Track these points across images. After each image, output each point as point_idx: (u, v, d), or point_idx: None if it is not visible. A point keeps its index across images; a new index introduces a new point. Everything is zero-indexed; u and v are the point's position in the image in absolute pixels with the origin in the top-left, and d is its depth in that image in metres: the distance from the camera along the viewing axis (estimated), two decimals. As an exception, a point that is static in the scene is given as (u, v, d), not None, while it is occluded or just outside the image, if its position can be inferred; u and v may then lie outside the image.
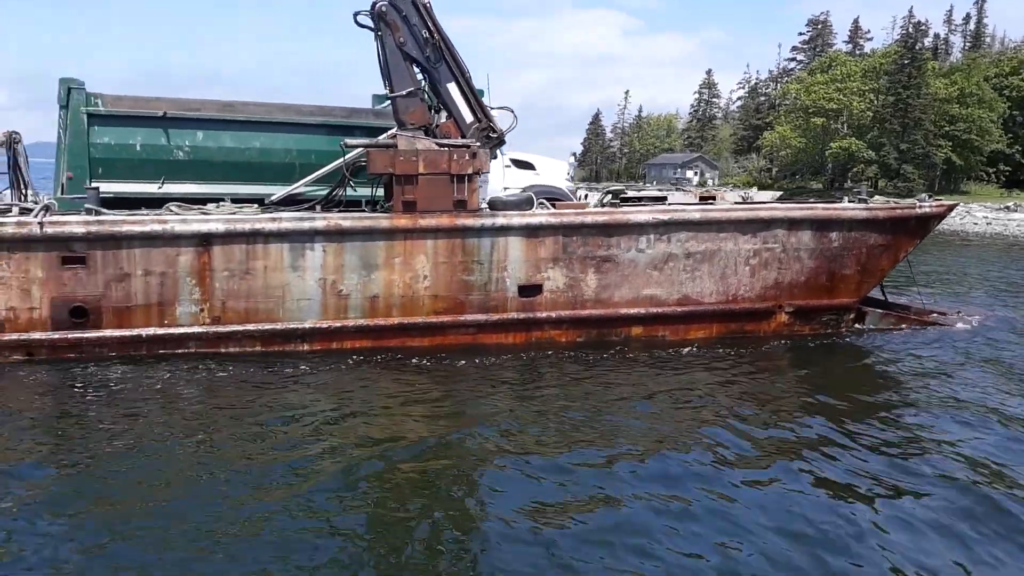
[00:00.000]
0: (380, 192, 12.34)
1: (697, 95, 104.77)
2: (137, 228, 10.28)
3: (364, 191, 12.59)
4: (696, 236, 12.28)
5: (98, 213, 10.38)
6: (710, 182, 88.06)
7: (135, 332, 10.48)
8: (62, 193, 11.47)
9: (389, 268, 11.20)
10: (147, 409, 8.83)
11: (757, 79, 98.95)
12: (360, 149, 11.47)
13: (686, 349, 12.16)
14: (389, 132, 12.15)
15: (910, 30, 75.00)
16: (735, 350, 12.30)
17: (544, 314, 11.90)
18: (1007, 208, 55.73)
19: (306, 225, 10.83)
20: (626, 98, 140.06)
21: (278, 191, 12.22)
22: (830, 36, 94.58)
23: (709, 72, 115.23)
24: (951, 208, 14.17)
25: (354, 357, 11.07)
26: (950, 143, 72.31)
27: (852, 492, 6.98)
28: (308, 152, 12.47)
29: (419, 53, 11.33)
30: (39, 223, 9.97)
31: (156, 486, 6.78)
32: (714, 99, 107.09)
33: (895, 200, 14.68)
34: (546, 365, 11.28)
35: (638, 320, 12.33)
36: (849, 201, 13.60)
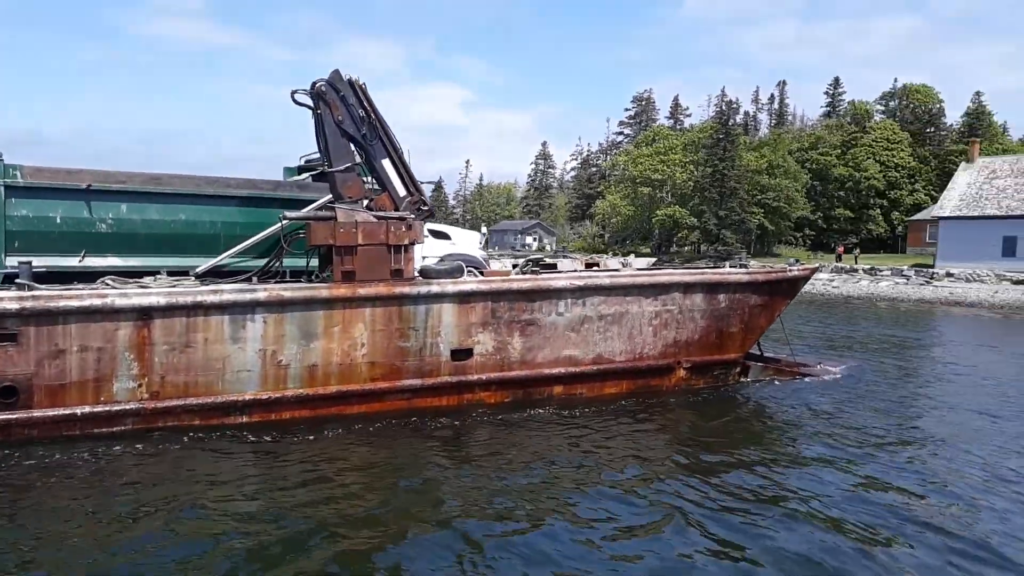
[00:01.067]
0: (311, 263, 12.76)
1: (534, 165, 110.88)
2: (75, 303, 10.18)
3: (292, 261, 12.94)
4: (607, 300, 13.62)
5: (31, 288, 10.19)
6: (548, 247, 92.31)
7: (69, 411, 10.26)
8: (-27, 267, 11.05)
9: (328, 337, 11.64)
10: (78, 493, 8.66)
11: (588, 151, 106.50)
12: (293, 221, 11.92)
13: (600, 406, 13.30)
14: (317, 203, 12.68)
15: (723, 107, 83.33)
16: (642, 403, 13.64)
17: (475, 376, 12.71)
18: (849, 270, 61.89)
19: (247, 296, 11.11)
20: (467, 167, 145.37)
21: (203, 263, 12.37)
22: (653, 112, 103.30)
23: (544, 144, 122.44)
24: (814, 271, 16.48)
25: (293, 428, 11.34)
26: (762, 210, 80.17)
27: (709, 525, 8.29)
28: (233, 224, 12.70)
29: (356, 131, 12.08)
30: (-33, 299, 9.67)
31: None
32: (550, 169, 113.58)
33: (768, 265, 16.79)
34: (477, 426, 12.04)
35: (559, 379, 13.41)
36: (731, 267, 15.49)
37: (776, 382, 15.62)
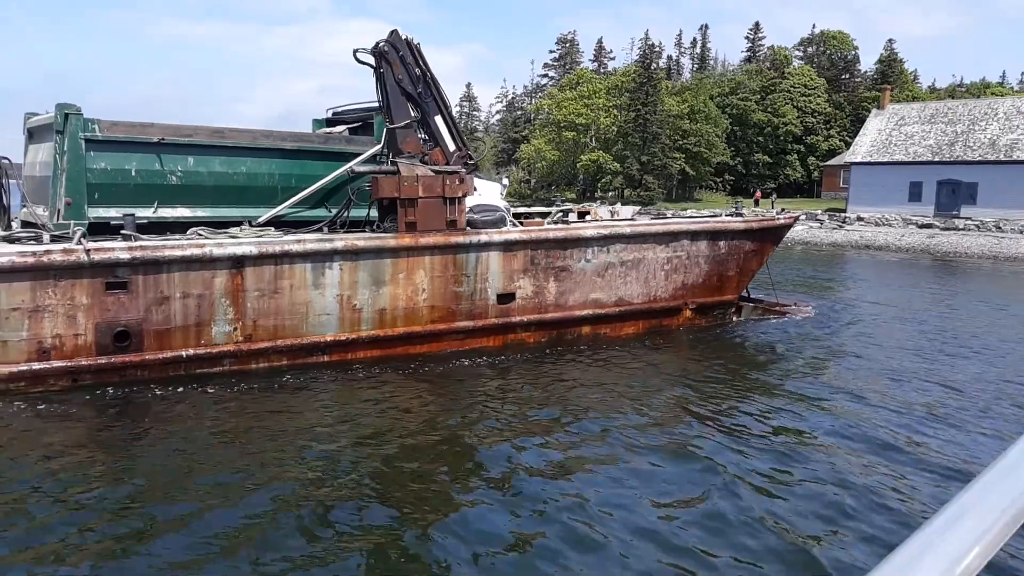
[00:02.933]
0: (369, 213, 13.99)
1: (458, 108, 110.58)
2: (178, 252, 11.32)
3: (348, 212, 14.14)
4: (627, 247, 15.49)
5: (136, 239, 11.25)
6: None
7: (175, 353, 11.46)
8: (59, 219, 11.90)
9: (395, 283, 13.11)
10: (191, 431, 9.85)
11: (514, 93, 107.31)
12: (360, 174, 13.22)
13: (621, 344, 15.27)
14: (364, 155, 13.93)
15: (646, 51, 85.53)
16: (656, 341, 15.70)
17: (517, 319, 14.42)
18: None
19: (327, 246, 12.44)
20: None
21: (262, 213, 13.50)
22: (578, 54, 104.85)
23: (469, 85, 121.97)
24: (796, 219, 18.77)
25: (366, 366, 12.83)
26: (683, 155, 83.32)
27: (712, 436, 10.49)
28: (288, 176, 13.82)
29: (413, 89, 13.38)
30: (85, 250, 10.70)
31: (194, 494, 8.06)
32: (475, 112, 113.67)
33: (761, 212, 18.97)
34: (520, 364, 13.77)
35: (587, 320, 15.27)
36: (727, 215, 17.58)
37: (764, 320, 17.95)
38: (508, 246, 14.12)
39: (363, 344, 12.98)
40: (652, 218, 17.63)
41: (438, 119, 13.69)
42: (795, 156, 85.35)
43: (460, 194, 13.61)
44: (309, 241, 12.36)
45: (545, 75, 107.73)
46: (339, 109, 16.21)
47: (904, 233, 53.32)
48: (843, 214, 63.11)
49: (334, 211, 14.04)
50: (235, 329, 11.89)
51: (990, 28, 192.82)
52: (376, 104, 14.39)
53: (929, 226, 54.89)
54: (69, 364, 10.79)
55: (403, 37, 13.31)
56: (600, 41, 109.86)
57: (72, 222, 11.63)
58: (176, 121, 14.04)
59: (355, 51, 13.08)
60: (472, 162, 14.19)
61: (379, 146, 14.33)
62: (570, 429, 10.12)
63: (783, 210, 18.91)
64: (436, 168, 13.49)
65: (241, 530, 6.99)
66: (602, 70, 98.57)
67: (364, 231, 13.51)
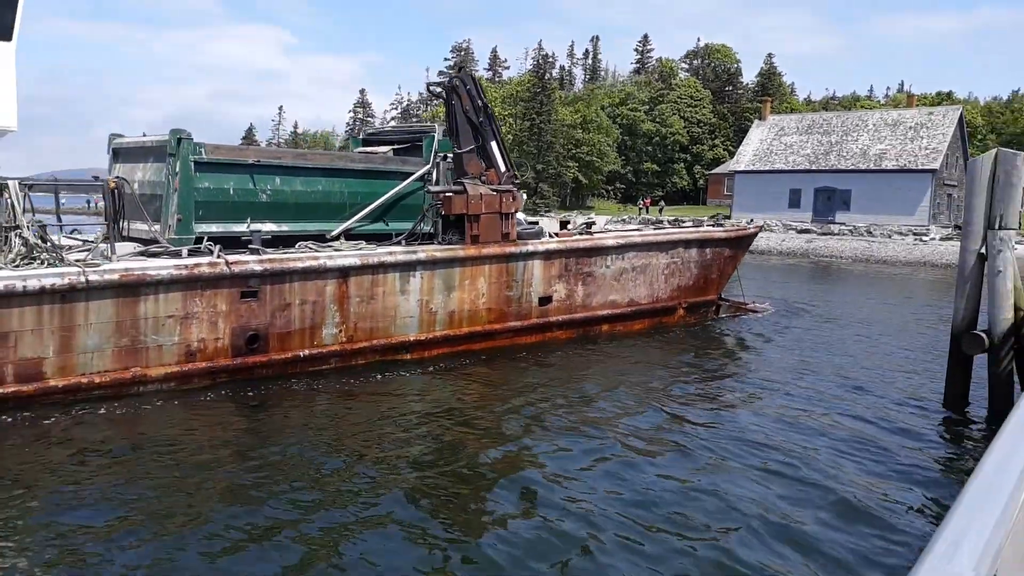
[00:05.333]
0: (420, 227, 16.07)
1: (352, 114, 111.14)
2: (299, 264, 13.19)
3: (395, 225, 16.21)
4: (638, 254, 18.27)
5: (263, 252, 13.05)
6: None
7: (294, 354, 13.31)
8: (170, 233, 13.46)
9: (462, 288, 15.35)
10: (311, 421, 11.68)
11: (409, 100, 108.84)
12: (436, 194, 15.38)
13: (632, 339, 18.04)
14: (416, 175, 16.05)
15: (540, 62, 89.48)
16: (658, 336, 18.56)
17: (554, 318, 16.90)
18: (655, 222, 70.20)
19: (412, 257, 14.56)
20: (280, 114, 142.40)
21: (333, 227, 15.40)
22: (472, 63, 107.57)
23: (363, 92, 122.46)
24: (761, 228, 22.10)
25: (439, 362, 14.98)
26: (576, 164, 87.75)
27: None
28: (356, 193, 15.73)
29: (475, 118, 15.66)
30: (226, 263, 12.45)
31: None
32: (369, 118, 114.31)
33: (731, 223, 22.14)
34: (556, 357, 16.22)
35: (606, 319, 17.93)
36: (709, 226, 20.68)
37: (738, 317, 21.16)
38: (548, 255, 16.58)
39: (437, 343, 15.13)
40: (654, 229, 20.47)
41: (493, 144, 16.01)
42: (682, 165, 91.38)
43: (513, 210, 15.98)
44: (398, 253, 14.43)
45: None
46: (374, 130, 18.22)
47: (785, 238, 58.69)
48: (729, 220, 68.32)
49: (392, 224, 16.08)
50: (340, 331, 13.83)
51: (860, 46, 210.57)
52: (409, 126, 16.56)
53: (807, 231, 60.61)
54: (211, 365, 12.47)
55: (469, 73, 15.57)
56: (494, 51, 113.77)
57: (191, 235, 13.28)
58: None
59: (428, 84, 15.25)
60: (517, 181, 16.57)
61: (429, 165, 16.48)
62: (602, 408, 12.53)
63: (750, 221, 22.15)
64: (495, 187, 15.80)
65: (348, 498, 8.71)
66: (497, 79, 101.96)
67: (431, 243, 15.63)
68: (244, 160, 14.32)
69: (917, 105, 70.72)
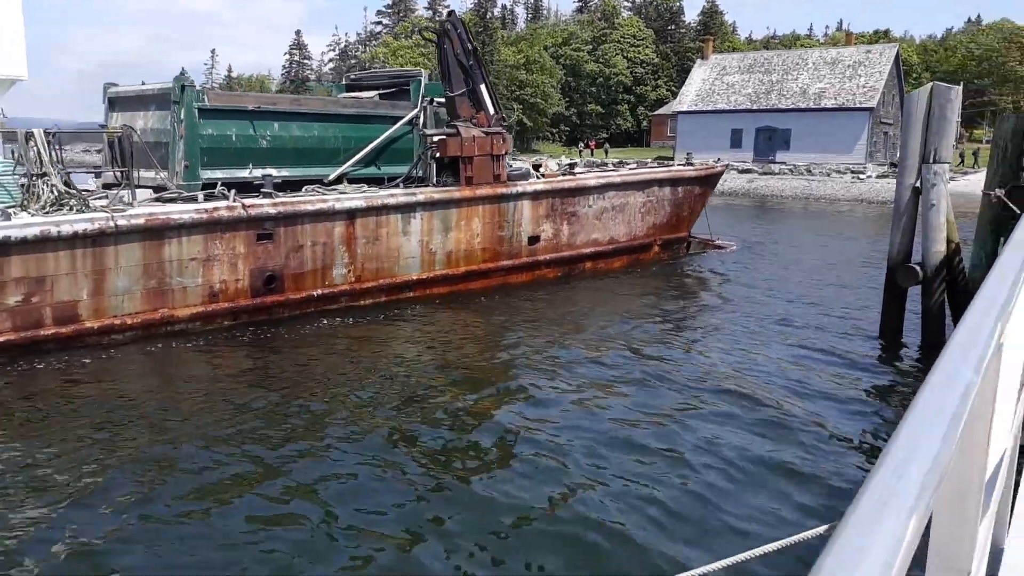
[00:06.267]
0: (390, 170, 16.66)
1: (287, 56, 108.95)
2: (309, 207, 13.85)
3: (386, 169, 16.87)
4: (617, 194, 19.27)
5: (275, 196, 13.66)
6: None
7: (307, 293, 14.04)
8: (178, 180, 13.94)
9: (458, 228, 16.17)
10: (324, 358, 12.89)
11: (347, 42, 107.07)
12: (433, 136, 16.07)
13: (612, 276, 19.15)
14: (406, 118, 16.68)
15: (481, 0, 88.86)
16: (635, 272, 19.71)
17: (542, 257, 17.86)
18: (600, 164, 71.32)
19: (412, 199, 15.30)
20: (213, 58, 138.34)
21: (329, 172, 15.99)
22: (412, 1, 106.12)
23: (298, 33, 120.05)
24: (727, 167, 23.26)
25: (439, 300, 15.87)
26: (521, 106, 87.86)
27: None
28: (348, 138, 16.31)
29: (465, 61, 16.31)
30: (243, 206, 13.07)
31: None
32: (306, 60, 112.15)
33: (702, 162, 23.26)
34: (545, 294, 17.23)
35: (589, 257, 18.97)
36: (680, 165, 21.76)
37: (707, 253, 22.44)
38: (536, 196, 17.47)
39: (437, 281, 15.97)
40: (630, 169, 21.44)
41: (482, 87, 16.70)
42: (626, 106, 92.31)
43: (504, 151, 16.77)
44: (399, 195, 15.16)
45: (379, 23, 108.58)
46: (355, 76, 18.74)
47: (727, 178, 60.21)
48: (671, 161, 69.60)
49: (384, 168, 16.74)
50: (349, 271, 14.57)
51: None
52: (394, 71, 17.13)
53: (749, 171, 62.27)
54: (232, 305, 13.15)
55: (459, 17, 16.17)
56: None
57: (198, 181, 13.81)
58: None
59: (420, 29, 15.81)
60: (505, 123, 17.33)
61: (417, 109, 17.11)
62: (587, 339, 13.53)
63: (718, 160, 23.29)
64: (485, 129, 16.54)
65: (348, 434, 9.33)
66: (437, 18, 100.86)
67: (426, 186, 16.36)
68: (244, 106, 14.79)
69: (855, 43, 72.50)
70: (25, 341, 11.18)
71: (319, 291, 14.18)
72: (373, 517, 7.03)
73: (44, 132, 11.75)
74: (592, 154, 75.92)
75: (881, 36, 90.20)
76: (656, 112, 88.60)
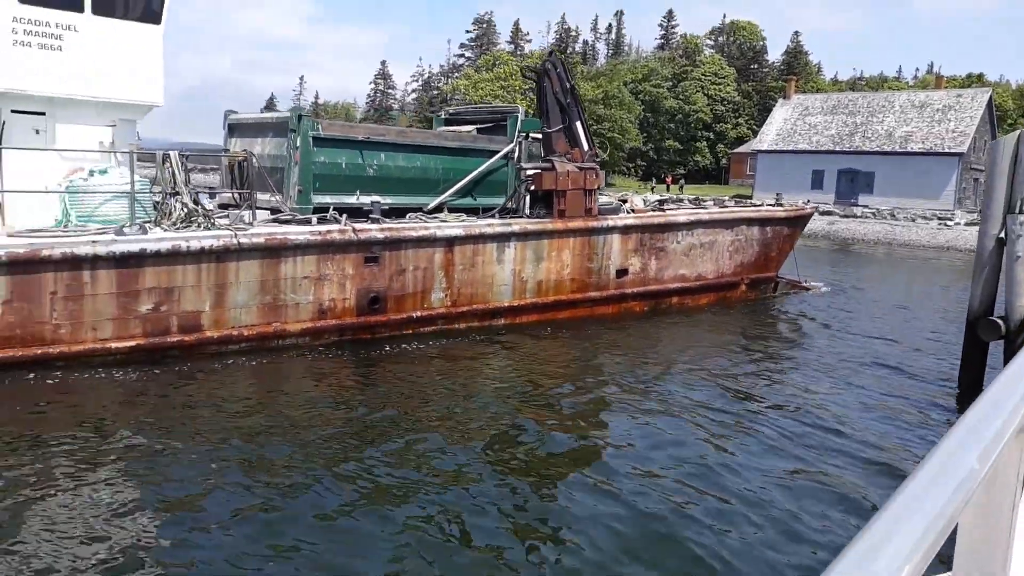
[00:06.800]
0: (485, 200, 17.40)
1: (372, 85, 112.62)
2: (413, 233, 14.64)
3: (481, 200, 17.62)
4: (706, 231, 19.68)
5: (382, 222, 14.50)
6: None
7: (408, 315, 14.79)
8: (292, 204, 14.88)
9: (549, 259, 16.78)
10: (422, 377, 13.62)
11: (430, 72, 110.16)
12: (530, 171, 16.80)
13: (699, 313, 19.52)
14: (502, 152, 17.42)
15: (562, 35, 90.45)
16: (722, 310, 20.03)
17: (629, 290, 18.35)
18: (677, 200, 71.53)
19: (507, 229, 15.99)
20: (301, 84, 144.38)
21: (429, 201, 16.79)
22: (494, 35, 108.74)
23: (384, 63, 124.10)
24: (817, 209, 23.49)
25: (527, 328, 16.45)
26: (598, 140, 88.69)
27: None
28: (449, 170, 17.14)
29: (563, 99, 17.04)
30: (354, 230, 13.91)
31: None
32: (390, 90, 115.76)
33: (791, 204, 23.53)
34: (632, 326, 17.68)
35: (676, 292, 19.38)
36: (769, 206, 22.07)
37: (795, 294, 22.62)
38: (625, 230, 18.01)
39: (527, 309, 16.59)
40: (720, 208, 21.85)
41: (578, 124, 17.40)
42: (704, 143, 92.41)
43: (596, 186, 17.38)
44: (496, 225, 15.87)
45: (462, 55, 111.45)
46: (456, 109, 19.63)
47: (809, 219, 59.88)
48: (750, 201, 68.82)
49: (479, 199, 17.50)
50: (446, 295, 15.30)
51: (889, 25, 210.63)
52: (491, 106, 17.92)
53: (830, 213, 61.47)
54: (339, 323, 13.96)
55: (559, 56, 16.95)
56: (517, 23, 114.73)
57: (310, 204, 14.74)
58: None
59: (522, 69, 16.61)
60: (598, 159, 17.97)
61: (513, 144, 17.86)
62: (671, 375, 13.93)
63: (807, 201, 23.53)
64: (579, 165, 17.20)
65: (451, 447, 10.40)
66: (518, 52, 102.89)
67: (519, 217, 17.06)
68: (355, 136, 15.73)
69: (946, 87, 71.45)
70: (153, 347, 12.13)
71: (418, 313, 14.91)
72: (457, 526, 7.55)
73: (179, 154, 12.79)
74: (668, 189, 76.02)
75: (974, 80, 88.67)
76: (735, 150, 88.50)
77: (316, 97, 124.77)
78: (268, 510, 7.69)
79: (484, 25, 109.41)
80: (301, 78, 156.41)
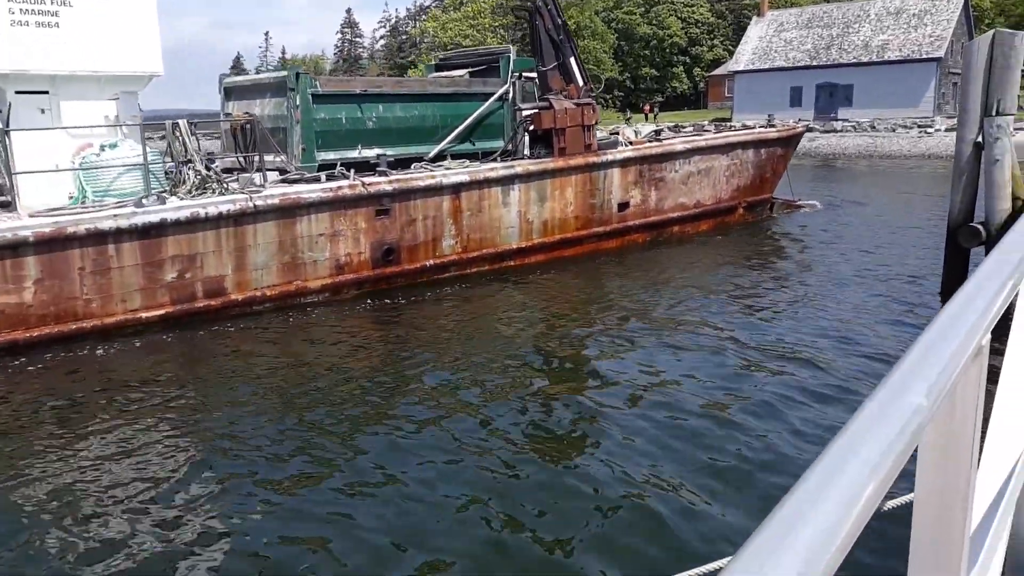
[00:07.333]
0: (483, 145, 17.66)
1: (340, 35, 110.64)
2: (420, 183, 14.91)
3: (480, 144, 17.85)
4: (703, 158, 20.00)
5: (390, 174, 14.76)
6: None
7: (420, 264, 15.15)
8: (296, 162, 15.10)
9: (552, 198, 17.11)
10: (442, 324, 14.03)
11: (397, 17, 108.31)
12: (529, 111, 17.01)
13: (699, 238, 19.96)
14: (497, 94, 17.62)
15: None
16: (722, 234, 20.47)
17: (631, 223, 18.73)
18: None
19: (510, 172, 16.27)
20: (267, 40, 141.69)
21: (428, 150, 17.01)
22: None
23: (349, 11, 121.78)
24: (808, 128, 23.79)
25: (534, 269, 16.83)
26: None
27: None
28: (445, 116, 17.31)
29: (556, 36, 17.17)
30: (363, 184, 14.17)
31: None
32: (357, 39, 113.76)
33: (781, 123, 23.84)
34: (635, 258, 18.10)
35: (676, 221, 19.78)
36: (761, 127, 22.38)
37: (791, 214, 23.07)
38: (624, 163, 18.31)
39: (534, 250, 16.96)
40: (715, 133, 22.14)
41: (572, 60, 17.56)
42: (681, 68, 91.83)
43: (593, 121, 17.63)
44: (499, 168, 16.14)
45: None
46: (443, 56, 19.74)
47: (791, 137, 59.91)
48: (729, 123, 68.48)
49: (477, 144, 17.73)
50: (456, 242, 15.64)
51: None
52: (481, 49, 18.04)
53: (810, 130, 61.41)
54: (356, 276, 14.31)
55: (549, -9, 17.05)
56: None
57: (315, 162, 14.98)
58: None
59: (512, 6, 16.66)
60: (593, 94, 18.18)
61: (507, 85, 18.03)
62: (677, 305, 14.29)
63: (797, 120, 23.79)
64: (576, 101, 17.42)
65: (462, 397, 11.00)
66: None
67: (520, 159, 17.31)
68: (352, 91, 15.90)
69: (921, -8, 71.13)
70: (182, 314, 12.48)
71: (431, 262, 15.27)
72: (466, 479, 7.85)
73: (187, 121, 12.96)
74: (646, 119, 75.73)
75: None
76: (712, 73, 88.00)
77: (283, 53, 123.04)
78: (309, 472, 7.89)
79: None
80: (266, 34, 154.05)
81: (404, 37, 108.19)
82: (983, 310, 1.63)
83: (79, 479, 7.78)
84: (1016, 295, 1.87)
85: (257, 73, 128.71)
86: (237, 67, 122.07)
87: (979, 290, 1.74)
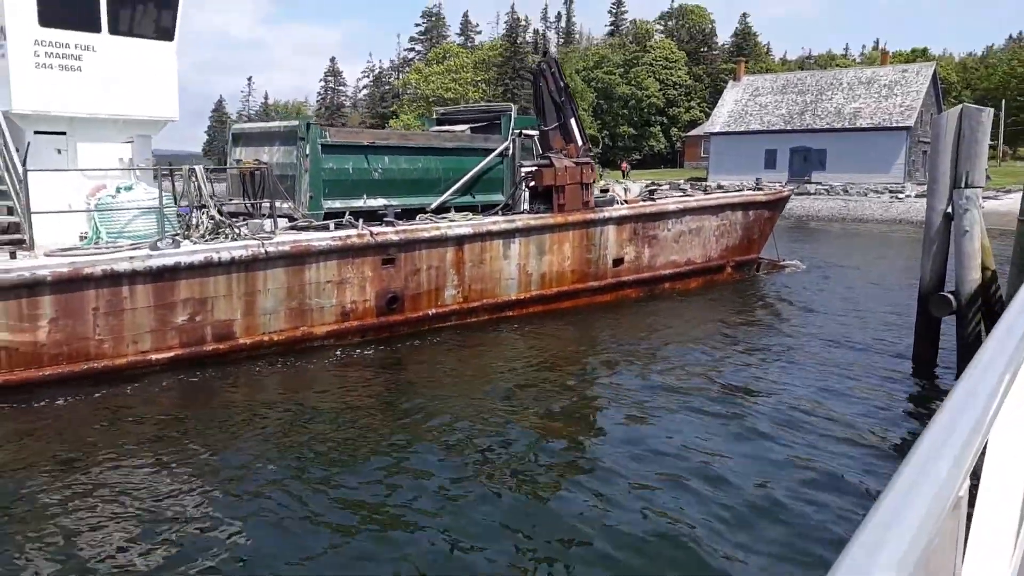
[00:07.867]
0: (483, 198, 18.11)
1: (323, 83, 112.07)
2: (426, 234, 15.25)
3: (479, 198, 18.30)
4: (694, 218, 20.57)
5: (397, 224, 15.08)
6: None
7: (423, 313, 15.41)
8: (304, 210, 15.39)
9: (551, 252, 17.51)
10: (440, 372, 14.28)
11: (381, 68, 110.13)
12: (530, 168, 17.47)
13: (688, 295, 20.42)
14: (497, 151, 18.11)
15: (512, 25, 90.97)
16: (710, 292, 20.97)
17: (625, 278, 19.17)
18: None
19: (511, 225, 16.67)
20: (249, 84, 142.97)
21: (430, 201, 17.41)
22: (444, 28, 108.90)
23: (333, 60, 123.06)
24: (794, 191, 24.53)
25: (532, 319, 17.17)
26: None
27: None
28: (448, 169, 17.74)
29: (558, 97, 17.75)
30: (371, 233, 14.48)
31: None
32: (340, 87, 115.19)
33: (768, 187, 24.53)
34: (628, 313, 18.49)
35: (667, 278, 20.25)
36: (750, 190, 23.05)
37: (776, 274, 23.66)
38: (620, 221, 18.80)
39: (532, 301, 17.30)
40: (704, 195, 22.77)
41: (572, 121, 18.12)
42: (658, 128, 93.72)
43: (591, 180, 18.14)
44: (501, 222, 16.54)
45: (412, 49, 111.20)
46: (446, 110, 20.27)
47: (763, 200, 60.94)
48: (704, 183, 69.53)
49: (477, 197, 18.17)
50: (458, 292, 15.94)
51: (837, 5, 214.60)
52: (482, 106, 18.58)
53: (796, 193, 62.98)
54: (361, 324, 14.52)
55: (554, 57, 17.65)
56: (466, 15, 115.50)
57: (321, 210, 15.27)
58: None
59: (520, 70, 17.21)
60: (591, 154, 18.71)
61: (507, 142, 18.55)
62: (666, 356, 14.69)
63: (783, 184, 24.50)
64: (576, 160, 17.93)
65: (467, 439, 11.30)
66: (469, 44, 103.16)
67: (520, 214, 17.75)
68: (360, 142, 16.28)
69: (891, 63, 73.47)
70: (191, 356, 12.60)
71: (433, 310, 15.54)
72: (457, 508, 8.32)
73: (203, 167, 13.24)
74: (623, 176, 76.87)
75: (919, 55, 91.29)
76: (689, 133, 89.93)
77: (265, 98, 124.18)
78: (315, 514, 8.07)
79: (433, 18, 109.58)
80: (249, 79, 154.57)
81: (387, 87, 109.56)
82: (958, 454, 1.40)
83: (84, 519, 7.90)
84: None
85: (239, 117, 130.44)
86: (219, 110, 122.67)
87: (953, 427, 1.50)
